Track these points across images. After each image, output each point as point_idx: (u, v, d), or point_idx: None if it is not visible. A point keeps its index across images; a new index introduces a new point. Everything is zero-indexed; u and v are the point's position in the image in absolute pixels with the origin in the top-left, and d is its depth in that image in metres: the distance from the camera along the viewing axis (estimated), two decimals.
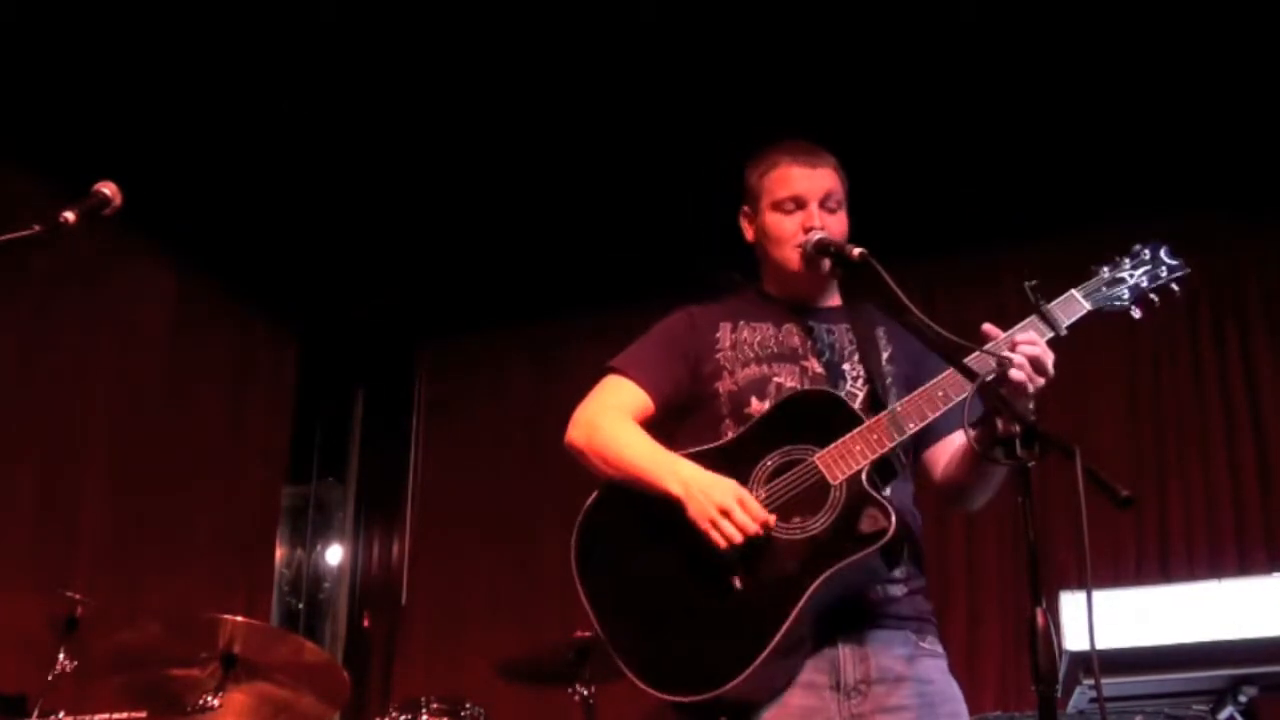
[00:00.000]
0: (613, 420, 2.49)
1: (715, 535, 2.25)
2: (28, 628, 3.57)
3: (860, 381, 2.51)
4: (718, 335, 2.57)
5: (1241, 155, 5.31)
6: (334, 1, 4.56)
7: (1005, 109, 5.11)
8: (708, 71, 4.91)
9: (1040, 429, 2.07)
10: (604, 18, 4.63)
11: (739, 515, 2.25)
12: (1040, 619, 1.93)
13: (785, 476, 2.33)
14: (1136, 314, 2.50)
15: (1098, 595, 3.59)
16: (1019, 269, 6.03)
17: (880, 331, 2.61)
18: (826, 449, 2.33)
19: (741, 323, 2.59)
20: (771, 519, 2.27)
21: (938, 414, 2.34)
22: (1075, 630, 3.59)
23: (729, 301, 2.67)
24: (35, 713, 3.48)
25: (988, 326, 2.34)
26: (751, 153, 2.74)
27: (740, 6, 4.62)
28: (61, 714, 3.55)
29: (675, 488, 2.32)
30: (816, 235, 2.53)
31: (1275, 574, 3.62)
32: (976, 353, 2.28)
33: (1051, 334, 2.41)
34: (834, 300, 2.66)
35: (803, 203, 2.57)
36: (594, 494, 2.45)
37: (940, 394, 2.34)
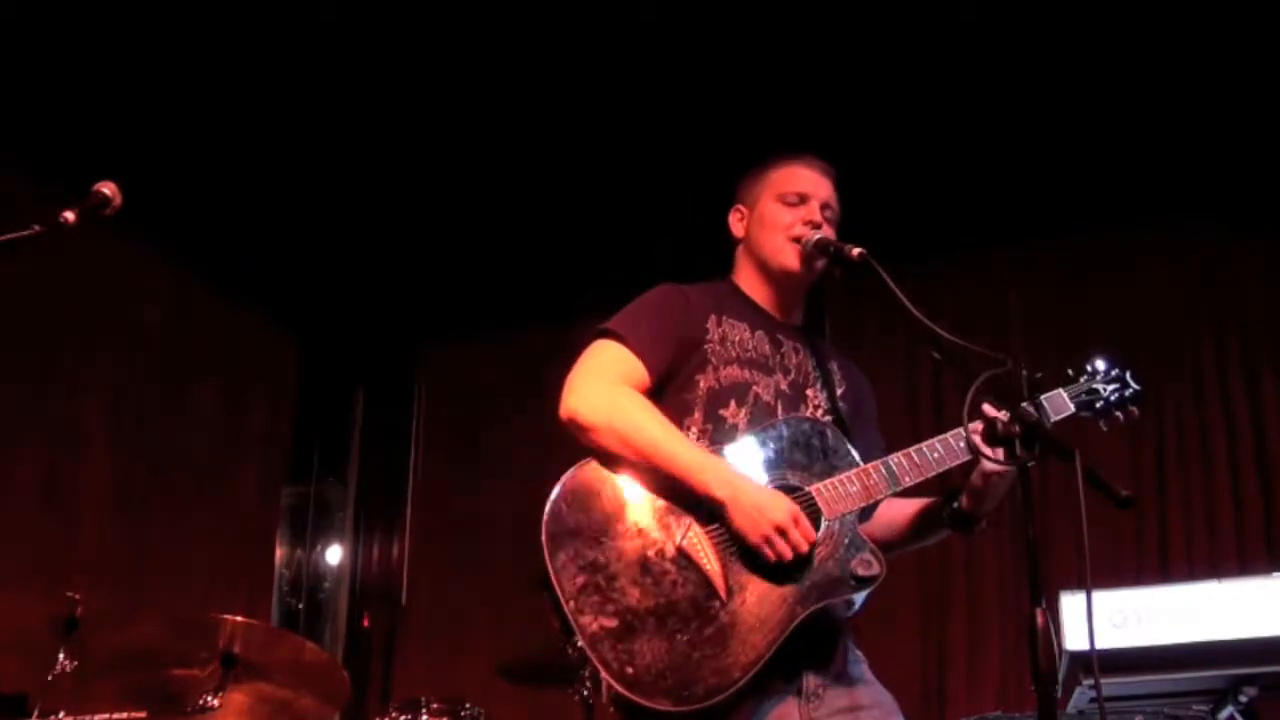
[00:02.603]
0: (632, 398, 2.41)
1: (767, 550, 2.24)
2: (28, 628, 3.57)
3: (821, 411, 2.56)
4: (707, 325, 2.56)
5: (1242, 159, 5.30)
6: (334, 1, 4.56)
7: (1006, 112, 5.10)
8: (708, 73, 4.91)
9: (1041, 429, 2.08)
10: (604, 18, 4.63)
11: (794, 534, 2.25)
12: (1040, 619, 1.93)
13: None
14: (1104, 427, 2.68)
15: (1098, 595, 3.58)
16: (1018, 273, 6.08)
17: (834, 365, 2.67)
18: (823, 483, 2.37)
19: (725, 316, 2.59)
20: (815, 536, 2.28)
21: (932, 474, 2.41)
22: (1075, 630, 3.59)
23: (710, 289, 2.67)
24: (35, 713, 3.48)
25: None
26: (752, 154, 2.76)
27: (740, 7, 4.62)
28: (61, 714, 3.55)
29: (721, 492, 2.28)
30: (817, 234, 2.58)
31: (1275, 574, 3.62)
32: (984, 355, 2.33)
33: None
34: (797, 319, 2.71)
35: (806, 199, 2.63)
36: (571, 470, 2.35)
37: (935, 455, 2.43)
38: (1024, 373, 2.49)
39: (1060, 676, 3.39)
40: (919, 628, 5.38)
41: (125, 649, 3.58)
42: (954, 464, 2.40)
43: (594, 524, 2.29)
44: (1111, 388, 2.66)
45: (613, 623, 2.19)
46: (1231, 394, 5.45)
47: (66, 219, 2.36)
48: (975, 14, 4.59)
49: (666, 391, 2.49)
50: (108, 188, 2.43)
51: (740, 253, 2.73)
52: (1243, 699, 3.46)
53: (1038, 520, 2.02)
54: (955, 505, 2.42)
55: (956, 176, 5.44)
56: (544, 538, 2.26)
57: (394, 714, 4.04)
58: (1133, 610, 3.58)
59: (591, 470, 2.37)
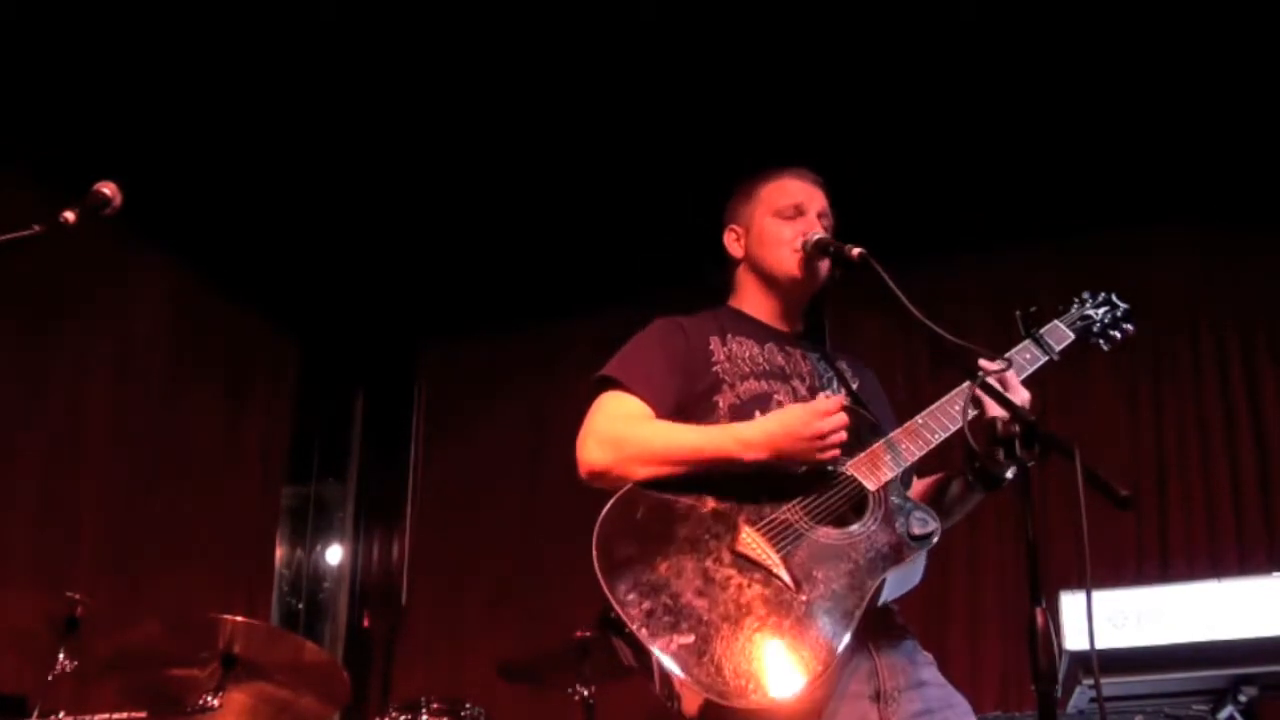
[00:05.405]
0: (634, 425, 2.42)
1: (832, 451, 2.31)
2: (28, 628, 3.57)
3: None
4: (710, 348, 2.56)
5: (1240, 157, 5.31)
6: (334, 1, 4.56)
7: (1007, 112, 5.10)
8: (708, 72, 4.91)
9: (1041, 429, 2.08)
10: (604, 18, 4.63)
11: (831, 418, 2.31)
12: (1040, 619, 1.93)
13: (825, 486, 2.35)
14: (1105, 347, 2.78)
15: (1098, 595, 3.59)
16: (1018, 273, 6.09)
17: (844, 365, 2.69)
18: (855, 458, 2.38)
19: (729, 336, 2.59)
20: (845, 399, 2.39)
21: (959, 426, 2.39)
22: (1075, 630, 3.59)
23: (706, 315, 2.67)
24: (35, 713, 3.48)
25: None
26: (753, 154, 2.76)
27: (741, 8, 4.62)
28: (61, 714, 3.55)
29: (752, 452, 2.31)
30: (816, 234, 2.59)
31: (1275, 574, 3.63)
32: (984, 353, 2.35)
33: (1046, 358, 2.58)
34: (800, 328, 2.72)
35: (803, 210, 2.64)
36: (610, 503, 2.31)
37: (957, 408, 2.41)
38: (1018, 312, 2.56)
39: (1060, 676, 3.40)
40: (919, 628, 5.35)
41: (125, 649, 3.58)
42: (975, 414, 2.38)
43: (644, 549, 2.26)
44: (1103, 310, 2.79)
45: (689, 639, 2.15)
46: (1232, 393, 5.46)
47: (66, 219, 2.36)
48: (975, 14, 4.59)
49: (685, 420, 2.48)
50: (108, 188, 2.43)
51: (741, 272, 2.73)
52: (1243, 699, 3.47)
53: (1038, 520, 2.02)
54: (977, 465, 2.38)
55: (956, 176, 5.44)
56: (600, 576, 2.21)
57: (394, 714, 4.04)
58: (1133, 610, 3.58)
59: (627, 499, 2.34)
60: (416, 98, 5.07)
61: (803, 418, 2.32)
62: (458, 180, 5.55)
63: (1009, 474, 2.29)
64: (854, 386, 2.63)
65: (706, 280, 2.75)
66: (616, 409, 2.47)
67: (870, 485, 2.35)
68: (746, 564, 2.24)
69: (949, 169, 5.40)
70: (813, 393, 2.54)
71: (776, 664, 2.14)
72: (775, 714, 2.12)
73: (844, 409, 2.43)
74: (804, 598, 2.21)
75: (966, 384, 2.36)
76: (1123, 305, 2.81)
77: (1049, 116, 5.13)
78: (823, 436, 2.29)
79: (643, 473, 2.35)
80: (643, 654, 2.15)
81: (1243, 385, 5.46)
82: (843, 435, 2.31)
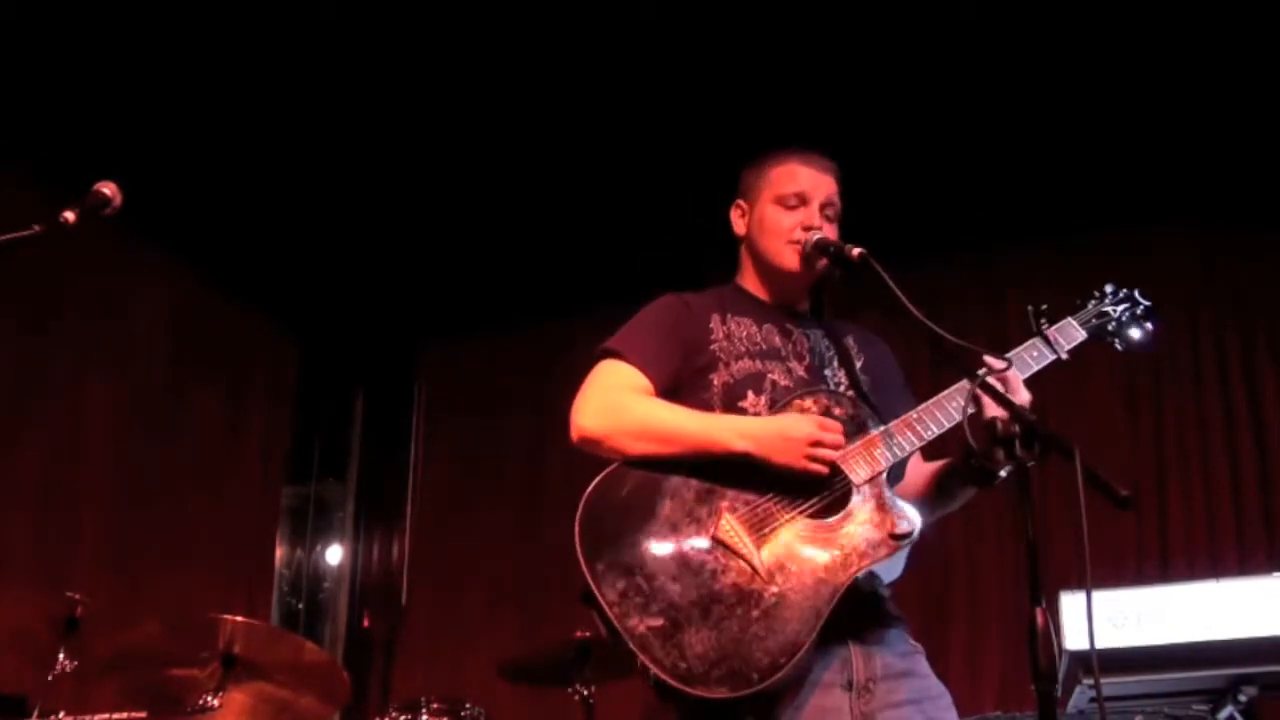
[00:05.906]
0: (634, 398, 2.44)
1: (816, 467, 2.29)
2: (28, 628, 3.58)
3: (844, 387, 2.55)
4: (710, 325, 2.56)
5: (1240, 157, 5.31)
6: (334, 1, 4.56)
7: (1006, 112, 5.10)
8: (708, 72, 4.91)
9: (1041, 429, 2.08)
10: (604, 18, 4.63)
11: (829, 438, 2.31)
12: (1040, 619, 1.93)
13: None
14: (1119, 347, 2.70)
15: (1098, 595, 3.59)
16: (1018, 273, 6.10)
17: (850, 341, 2.66)
18: (846, 449, 2.36)
19: (729, 315, 2.59)
20: (843, 436, 2.34)
21: (954, 423, 2.38)
22: (1075, 630, 3.59)
23: (712, 292, 2.67)
24: (35, 713, 3.49)
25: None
26: (751, 153, 2.75)
27: (740, 7, 4.62)
28: (61, 714, 3.56)
29: (741, 444, 2.31)
30: (816, 235, 2.57)
31: (1275, 574, 3.62)
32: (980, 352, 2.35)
33: (1053, 357, 2.54)
34: (804, 307, 2.70)
35: (806, 200, 2.61)
36: (597, 479, 2.33)
37: (955, 405, 2.39)
38: (1030, 308, 2.53)
39: (1060, 676, 3.40)
40: (919, 628, 5.33)
41: (125, 649, 3.59)
42: (971, 411, 2.35)
43: (626, 528, 2.28)
44: (1122, 307, 2.69)
45: (659, 621, 2.18)
46: (1232, 393, 5.46)
47: (66, 219, 2.36)
48: (975, 14, 4.59)
49: (680, 397, 2.48)
50: (108, 188, 2.44)
51: (742, 251, 2.72)
52: (1242, 699, 3.47)
53: (1038, 520, 2.02)
54: (974, 462, 2.37)
55: (956, 176, 5.44)
56: (579, 549, 2.24)
57: (394, 714, 4.04)
58: (1133, 610, 3.58)
59: (614, 477, 2.35)
60: (416, 98, 5.07)
61: (805, 424, 2.32)
62: (457, 180, 5.55)
63: (1003, 472, 2.28)
64: (858, 365, 2.61)
65: (706, 280, 2.74)
66: (614, 377, 2.49)
67: (856, 478, 2.34)
68: (723, 551, 2.25)
69: (948, 169, 5.40)
70: (810, 372, 2.53)
71: (736, 659, 2.15)
72: (739, 702, 2.13)
73: (845, 398, 2.45)
74: (775, 589, 2.22)
75: (965, 381, 2.35)
76: (1144, 302, 2.71)
77: (1048, 116, 5.13)
78: (816, 443, 2.29)
79: (636, 448, 2.36)
80: (614, 631, 2.18)
81: (1243, 385, 5.46)
82: (834, 456, 2.30)
